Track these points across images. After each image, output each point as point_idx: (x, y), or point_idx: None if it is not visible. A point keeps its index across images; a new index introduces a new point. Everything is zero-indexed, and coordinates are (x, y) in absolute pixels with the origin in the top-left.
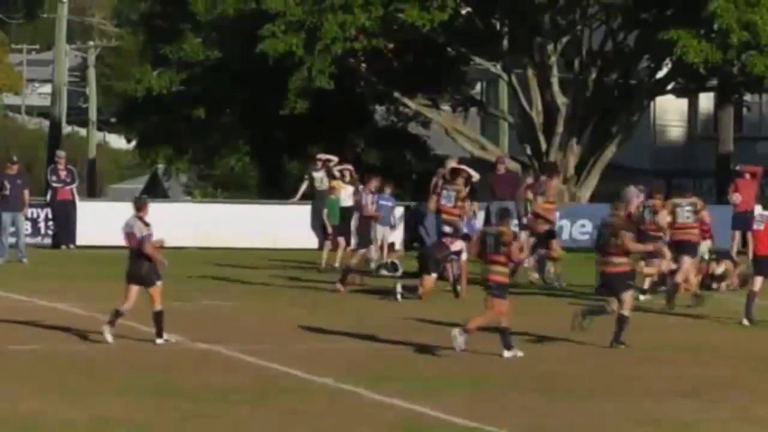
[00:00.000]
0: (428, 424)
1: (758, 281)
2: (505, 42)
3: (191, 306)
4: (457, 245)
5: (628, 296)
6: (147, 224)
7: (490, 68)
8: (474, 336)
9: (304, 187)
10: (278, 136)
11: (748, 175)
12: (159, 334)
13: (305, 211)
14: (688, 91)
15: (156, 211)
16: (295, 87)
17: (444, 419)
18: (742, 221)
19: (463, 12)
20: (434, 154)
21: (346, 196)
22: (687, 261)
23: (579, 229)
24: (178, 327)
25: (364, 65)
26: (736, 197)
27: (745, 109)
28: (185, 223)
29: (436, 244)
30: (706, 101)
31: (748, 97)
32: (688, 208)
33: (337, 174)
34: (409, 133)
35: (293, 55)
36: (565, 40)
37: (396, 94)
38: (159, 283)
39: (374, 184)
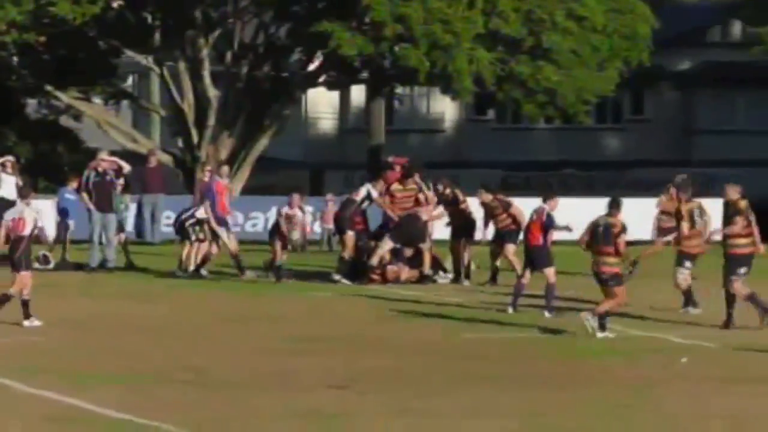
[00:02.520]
0: (80, 417)
1: (528, 274)
2: (157, 35)
3: None
4: None
5: (621, 290)
6: None
7: (141, 61)
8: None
9: None
10: None
11: (398, 167)
12: None
13: None
14: (340, 83)
15: None
16: None
17: (96, 412)
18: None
19: (115, 5)
20: (86, 147)
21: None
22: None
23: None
24: None
25: (15, 58)
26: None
27: (396, 102)
28: None
29: None
30: (357, 93)
31: (399, 90)
32: None
33: None
34: (61, 126)
35: None
36: (216, 33)
37: (48, 87)
38: None
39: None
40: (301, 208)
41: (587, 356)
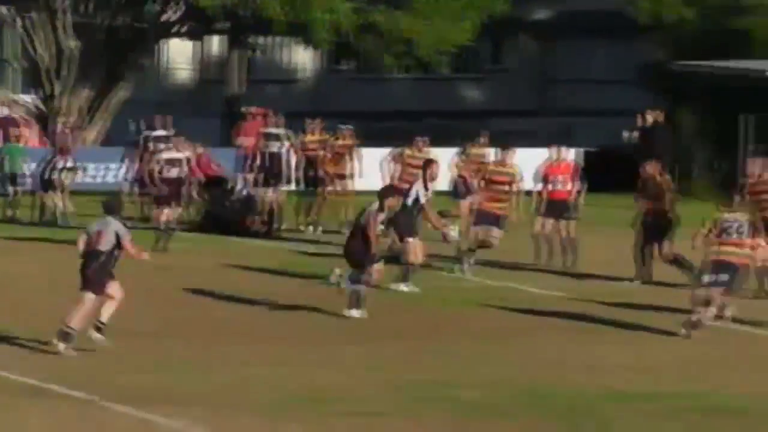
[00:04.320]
0: None
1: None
2: None
3: None
4: None
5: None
6: None
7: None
8: None
9: None
10: None
11: (258, 117)
12: None
13: None
14: (198, 33)
15: None
16: None
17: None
18: (245, 160)
19: None
20: None
21: None
22: None
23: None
24: None
25: None
26: (242, 139)
27: (253, 52)
28: None
29: None
30: (215, 44)
31: (258, 40)
32: None
33: None
34: None
35: None
36: None
37: None
38: None
39: None
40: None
41: (444, 307)
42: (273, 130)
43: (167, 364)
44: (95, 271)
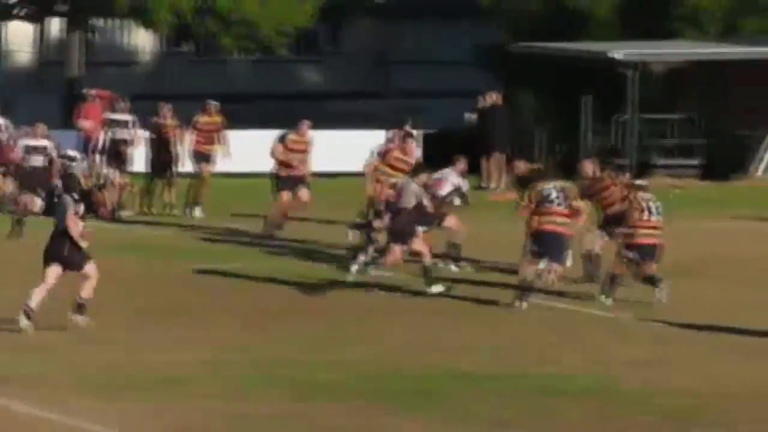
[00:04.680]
0: None
1: None
2: None
3: None
4: None
5: None
6: None
7: None
8: None
9: None
10: None
11: (96, 99)
12: None
13: None
14: (37, 16)
15: None
16: None
17: None
18: (86, 143)
19: None
20: None
21: None
22: None
23: None
24: None
25: None
26: (83, 122)
27: (93, 34)
28: None
29: None
30: (55, 25)
31: (99, 23)
32: None
33: None
34: None
35: None
36: None
37: None
38: None
39: None
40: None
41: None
42: (119, 116)
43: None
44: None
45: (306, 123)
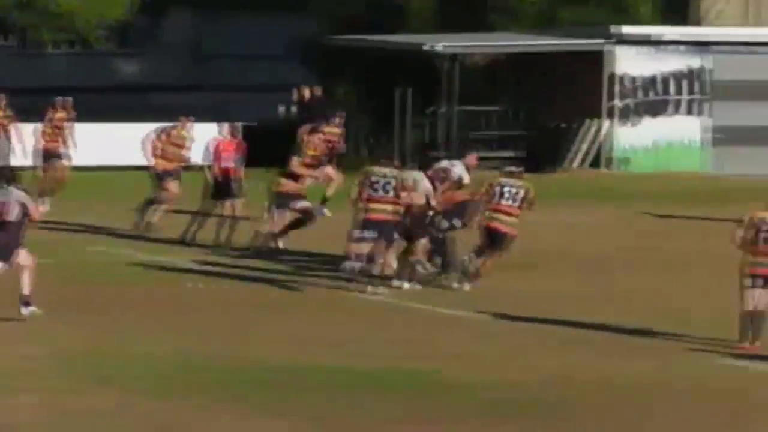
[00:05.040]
0: None
1: None
2: None
3: None
4: None
5: None
6: None
7: None
8: None
9: None
10: None
11: None
12: None
13: None
14: None
15: None
16: None
17: None
18: None
19: None
20: None
21: None
22: None
23: None
24: None
25: None
26: None
27: None
28: None
29: None
30: None
31: None
32: None
33: None
34: None
35: None
36: None
37: None
38: None
39: None
40: None
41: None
42: None
43: None
44: (6, 242)
45: (189, 118)
